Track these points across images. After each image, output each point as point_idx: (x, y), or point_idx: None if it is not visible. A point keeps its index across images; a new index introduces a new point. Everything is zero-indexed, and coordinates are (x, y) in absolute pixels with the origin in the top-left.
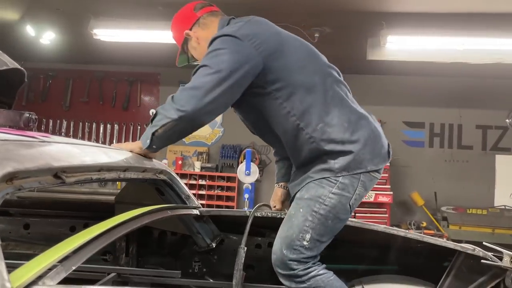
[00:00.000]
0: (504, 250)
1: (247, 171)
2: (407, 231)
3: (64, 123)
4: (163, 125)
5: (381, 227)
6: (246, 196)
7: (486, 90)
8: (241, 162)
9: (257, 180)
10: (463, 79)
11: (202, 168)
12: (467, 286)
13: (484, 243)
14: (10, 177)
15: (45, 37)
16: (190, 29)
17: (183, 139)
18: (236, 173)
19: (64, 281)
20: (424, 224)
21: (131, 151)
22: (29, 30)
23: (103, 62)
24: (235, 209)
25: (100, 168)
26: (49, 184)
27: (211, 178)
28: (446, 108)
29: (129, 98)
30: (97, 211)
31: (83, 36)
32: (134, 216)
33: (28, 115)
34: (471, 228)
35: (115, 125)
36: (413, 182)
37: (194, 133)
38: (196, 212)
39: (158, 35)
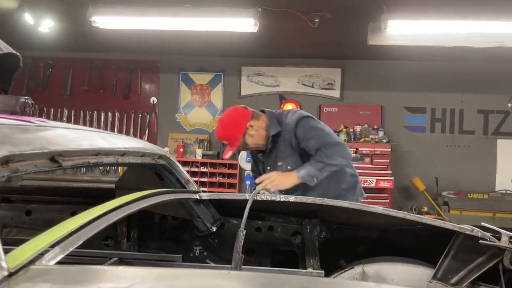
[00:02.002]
0: (503, 231)
1: (248, 158)
2: (406, 213)
3: (65, 112)
4: (333, 169)
5: (380, 209)
6: (248, 182)
7: (488, 75)
8: None
9: None
10: (465, 63)
11: (203, 155)
12: (465, 266)
13: (482, 223)
14: (6, 160)
15: (43, 25)
16: (249, 128)
17: (185, 127)
18: (237, 160)
19: (63, 263)
20: (425, 209)
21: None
22: (28, 18)
23: (103, 50)
24: (234, 193)
25: (97, 152)
26: (46, 167)
27: (213, 165)
28: (447, 93)
29: (130, 86)
30: (98, 197)
31: (82, 23)
32: (132, 200)
33: (24, 100)
34: (472, 213)
35: (116, 114)
36: (414, 167)
37: (195, 120)
38: (196, 196)
39: (157, 22)
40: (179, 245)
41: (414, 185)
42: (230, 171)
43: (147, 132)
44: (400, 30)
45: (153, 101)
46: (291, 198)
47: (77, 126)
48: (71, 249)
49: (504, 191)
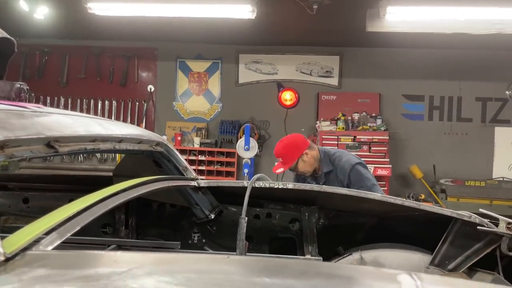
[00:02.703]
0: (500, 217)
1: (246, 146)
2: (404, 199)
3: (62, 100)
4: None
5: (378, 196)
6: (246, 171)
7: (486, 62)
8: (240, 138)
9: (256, 155)
10: (463, 51)
11: (201, 143)
12: (463, 252)
13: (480, 210)
14: (1, 146)
15: (39, 12)
16: (304, 154)
17: (182, 115)
18: (235, 149)
19: (60, 250)
20: (423, 196)
21: None
22: (22, 5)
23: (100, 38)
24: (233, 181)
25: (94, 139)
26: (42, 153)
27: (211, 153)
28: (446, 80)
29: (127, 74)
30: (96, 184)
31: (78, 10)
32: (130, 186)
33: (19, 85)
34: (469, 200)
35: (113, 102)
36: (412, 155)
37: (193, 109)
38: (194, 183)
39: (154, 9)
40: (178, 233)
41: (411, 173)
42: (228, 159)
43: (144, 120)
44: (398, 17)
45: (150, 89)
46: (290, 185)
47: (73, 112)
48: (68, 235)
49: (501, 179)
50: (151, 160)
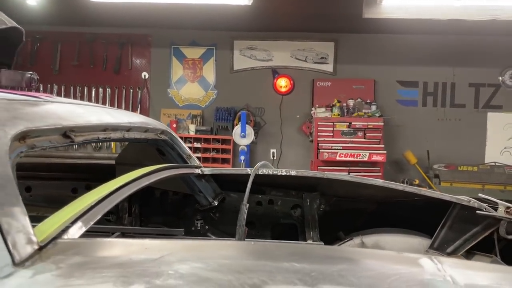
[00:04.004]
0: (499, 201)
1: (242, 133)
2: (404, 185)
3: (55, 88)
4: None
5: (380, 182)
6: (242, 158)
7: (480, 48)
8: (236, 125)
9: (252, 142)
10: (457, 37)
11: (196, 131)
12: (461, 236)
13: (479, 194)
14: (23, 136)
15: None
16: None
17: (177, 102)
18: (231, 136)
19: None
20: (417, 181)
21: None
22: None
23: (93, 24)
24: (236, 168)
25: (105, 128)
26: (59, 143)
27: (206, 140)
28: (439, 66)
29: (120, 61)
30: (98, 173)
31: None
32: (142, 175)
33: (29, 75)
34: (462, 185)
35: (107, 89)
36: (407, 141)
37: (188, 96)
38: (198, 171)
39: None
40: (180, 220)
41: (406, 158)
42: (224, 146)
43: (139, 108)
44: (395, 2)
45: (145, 76)
46: (293, 172)
47: (82, 101)
48: (91, 223)
49: (493, 163)
50: (154, 148)
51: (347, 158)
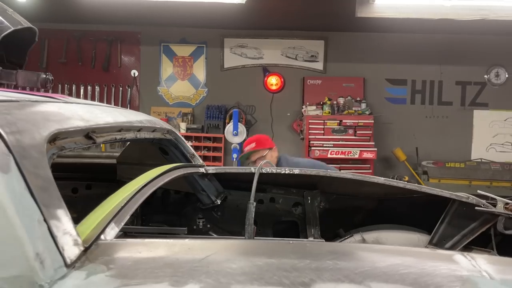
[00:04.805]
0: (498, 197)
1: (234, 131)
2: (406, 182)
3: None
4: None
5: (381, 179)
6: (235, 156)
7: (466, 47)
8: (228, 123)
9: (244, 140)
10: (445, 35)
11: (187, 129)
12: (459, 232)
13: (478, 191)
14: (53, 138)
15: None
16: (271, 149)
17: (167, 100)
18: (222, 134)
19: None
20: (406, 178)
21: None
22: None
23: (81, 21)
24: (238, 167)
25: (120, 128)
26: (83, 144)
27: (197, 139)
28: (427, 64)
29: (109, 58)
30: (99, 172)
31: None
32: (158, 175)
33: (45, 75)
34: (450, 181)
35: (96, 87)
36: (396, 138)
37: (178, 94)
38: (202, 170)
39: None
40: (182, 219)
41: (395, 155)
42: (215, 144)
43: (128, 106)
44: (387, 2)
45: (134, 74)
46: (296, 171)
47: (94, 102)
48: (122, 224)
49: (480, 160)
50: (157, 148)
51: (338, 156)
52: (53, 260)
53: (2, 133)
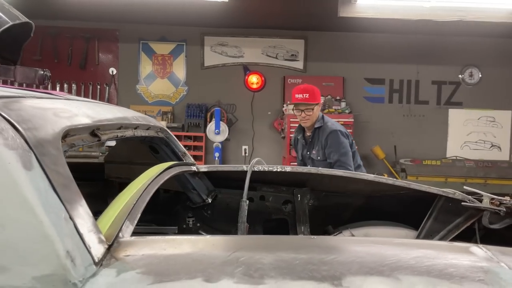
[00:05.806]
0: (484, 193)
1: (216, 130)
2: (394, 179)
3: (16, 83)
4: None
5: (371, 176)
6: (217, 154)
7: (442, 47)
8: (209, 122)
9: (226, 139)
10: (421, 36)
11: (167, 127)
12: (445, 227)
13: (464, 187)
14: (65, 135)
15: None
16: (318, 104)
17: (146, 99)
18: (203, 132)
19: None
20: (385, 175)
21: None
22: None
23: (56, 17)
24: (230, 165)
25: (120, 126)
26: (89, 142)
27: (178, 138)
28: (405, 64)
29: (86, 56)
30: (87, 172)
31: None
32: (159, 173)
33: (42, 72)
34: (427, 178)
35: (73, 85)
36: (375, 137)
37: (158, 92)
38: (194, 168)
39: None
40: (171, 217)
41: (374, 154)
42: (196, 143)
43: None
44: (369, 2)
45: (112, 72)
46: (287, 168)
47: (92, 99)
48: (135, 221)
49: (455, 157)
50: (146, 146)
51: None
52: (83, 258)
53: (21, 129)
